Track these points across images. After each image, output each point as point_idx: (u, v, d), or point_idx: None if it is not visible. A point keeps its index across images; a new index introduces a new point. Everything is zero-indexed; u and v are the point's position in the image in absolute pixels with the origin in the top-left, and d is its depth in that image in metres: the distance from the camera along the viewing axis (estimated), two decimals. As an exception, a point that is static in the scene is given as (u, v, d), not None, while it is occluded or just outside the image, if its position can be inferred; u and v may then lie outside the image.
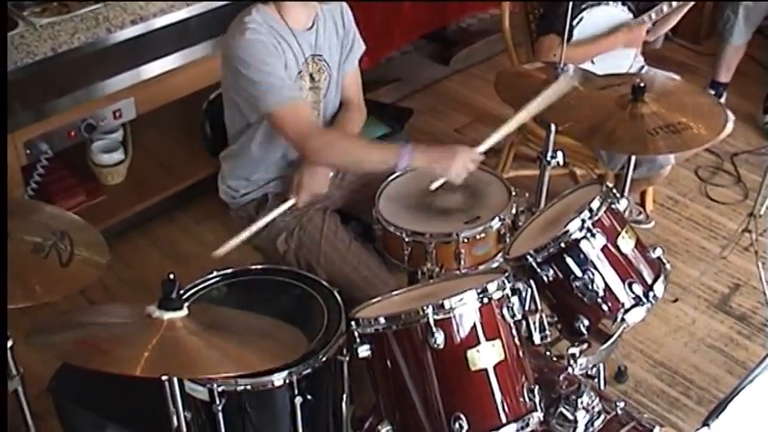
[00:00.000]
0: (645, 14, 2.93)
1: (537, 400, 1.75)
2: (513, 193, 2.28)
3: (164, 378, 1.68)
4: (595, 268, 1.90)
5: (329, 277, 2.18)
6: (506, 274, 1.79)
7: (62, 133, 2.81)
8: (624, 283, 1.92)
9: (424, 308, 1.68)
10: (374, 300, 1.92)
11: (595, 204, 1.91)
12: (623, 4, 2.94)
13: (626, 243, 1.94)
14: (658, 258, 2.02)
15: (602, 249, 1.91)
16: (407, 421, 1.76)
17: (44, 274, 1.76)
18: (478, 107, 4.09)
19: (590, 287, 1.90)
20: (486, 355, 1.71)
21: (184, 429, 1.78)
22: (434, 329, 1.67)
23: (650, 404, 2.70)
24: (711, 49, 4.21)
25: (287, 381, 1.84)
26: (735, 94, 3.99)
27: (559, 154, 2.45)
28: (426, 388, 1.72)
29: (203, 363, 1.57)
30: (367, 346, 1.76)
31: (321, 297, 2.03)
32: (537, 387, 1.76)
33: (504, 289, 1.76)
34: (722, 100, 3.92)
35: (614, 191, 2.00)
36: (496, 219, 2.19)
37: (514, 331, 1.77)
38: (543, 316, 1.91)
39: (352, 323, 1.79)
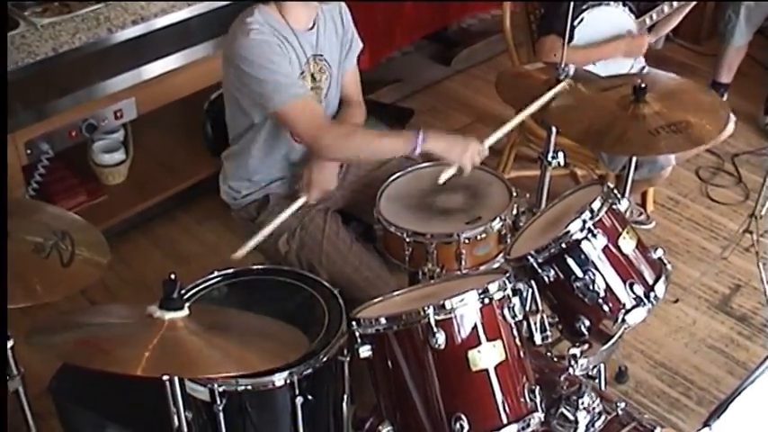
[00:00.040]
0: (646, 15, 2.93)
1: (538, 400, 1.75)
2: (514, 194, 2.28)
3: (164, 378, 1.67)
4: (596, 269, 1.90)
5: (331, 278, 2.18)
6: (507, 275, 1.79)
7: (63, 133, 2.81)
8: (625, 283, 1.92)
9: (425, 308, 1.68)
10: (375, 300, 1.92)
11: (596, 205, 1.91)
12: (624, 5, 2.94)
13: (627, 243, 1.94)
14: (659, 259, 2.02)
15: (603, 250, 1.91)
16: (408, 421, 1.76)
17: (45, 274, 1.75)
18: (479, 107, 4.09)
19: (591, 288, 1.90)
20: (486, 356, 1.71)
21: (185, 429, 1.78)
22: (435, 330, 1.67)
23: (651, 405, 2.70)
24: (712, 50, 4.22)
25: (288, 381, 1.84)
26: (736, 94, 3.99)
27: (560, 154, 2.45)
28: (427, 388, 1.72)
29: (204, 363, 1.56)
30: (368, 347, 1.76)
31: (322, 297, 2.03)
32: (538, 387, 1.76)
33: (505, 289, 1.76)
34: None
35: (615, 191, 2.00)
36: (497, 219, 2.19)
37: (515, 332, 1.77)
38: (544, 316, 1.91)
39: (353, 323, 1.79)
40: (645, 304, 1.93)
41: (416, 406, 1.74)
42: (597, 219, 1.90)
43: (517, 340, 1.77)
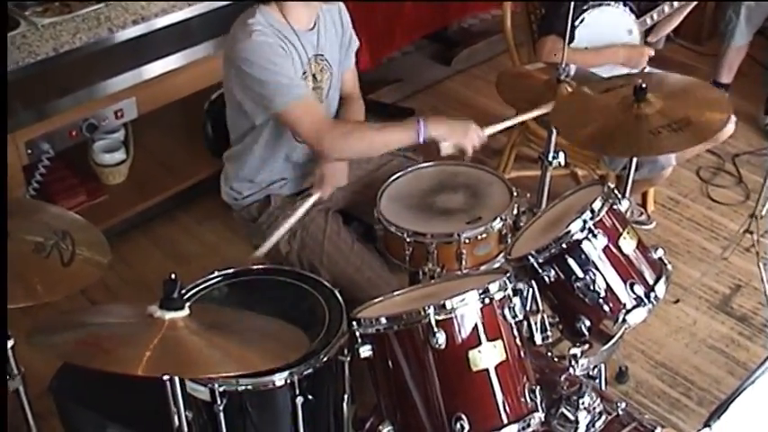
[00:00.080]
0: (647, 15, 2.93)
1: (538, 400, 1.75)
2: (515, 194, 2.28)
3: (165, 378, 1.67)
4: (597, 269, 1.90)
5: (332, 278, 2.18)
6: (508, 275, 1.79)
7: (64, 133, 2.81)
8: (626, 283, 1.92)
9: (426, 308, 1.68)
10: (375, 300, 1.92)
11: (597, 205, 1.90)
12: (625, 5, 2.94)
13: (627, 244, 1.94)
14: (660, 259, 2.02)
15: (603, 250, 1.91)
16: (408, 421, 1.76)
17: (45, 273, 1.75)
18: (480, 107, 4.08)
19: (591, 288, 1.90)
20: (487, 356, 1.71)
21: (185, 429, 1.78)
22: (436, 330, 1.67)
23: (651, 405, 2.70)
24: (713, 50, 4.22)
25: (288, 381, 1.84)
26: (736, 95, 3.98)
27: (561, 154, 2.45)
28: (428, 388, 1.72)
29: (205, 362, 1.56)
30: (368, 347, 1.76)
31: (322, 297, 2.03)
32: (538, 387, 1.76)
33: (506, 289, 1.76)
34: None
35: (616, 191, 2.00)
36: (498, 219, 2.19)
37: (516, 332, 1.77)
38: (545, 316, 1.91)
39: (354, 323, 1.79)
40: (645, 304, 1.93)
41: (417, 406, 1.73)
42: (598, 219, 1.90)
43: (518, 340, 1.77)
